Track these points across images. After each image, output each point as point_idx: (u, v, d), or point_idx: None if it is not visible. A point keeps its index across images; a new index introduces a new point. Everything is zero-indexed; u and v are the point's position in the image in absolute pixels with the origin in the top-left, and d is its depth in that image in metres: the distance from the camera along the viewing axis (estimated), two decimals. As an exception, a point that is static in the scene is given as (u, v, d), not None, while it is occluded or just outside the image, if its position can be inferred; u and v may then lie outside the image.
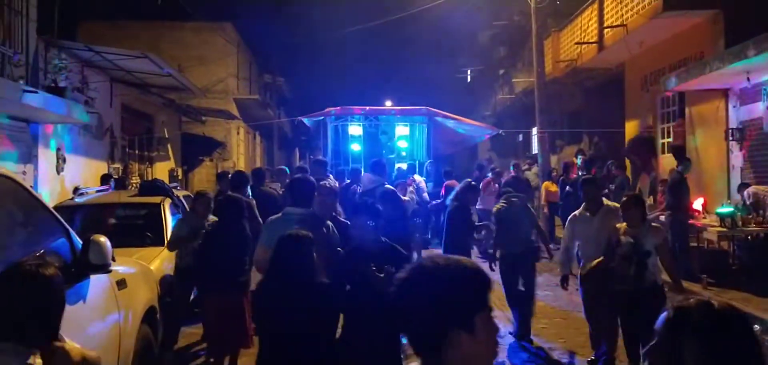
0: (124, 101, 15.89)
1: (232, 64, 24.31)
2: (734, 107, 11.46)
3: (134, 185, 12.53)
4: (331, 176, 10.92)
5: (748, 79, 10.33)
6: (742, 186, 10.54)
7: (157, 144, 18.93)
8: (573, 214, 6.46)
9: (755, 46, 8.94)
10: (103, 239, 3.66)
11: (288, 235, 3.81)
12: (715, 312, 1.58)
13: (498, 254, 7.21)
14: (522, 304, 7.14)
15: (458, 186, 7.83)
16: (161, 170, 18.27)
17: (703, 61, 10.86)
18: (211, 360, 5.84)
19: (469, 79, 35.76)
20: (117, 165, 14.92)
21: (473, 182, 7.84)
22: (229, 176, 8.85)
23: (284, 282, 3.65)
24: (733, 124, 11.47)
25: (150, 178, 16.37)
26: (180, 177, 18.43)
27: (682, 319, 1.59)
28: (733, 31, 10.45)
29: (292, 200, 4.87)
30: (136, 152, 17.62)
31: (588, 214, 6.28)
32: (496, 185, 12.73)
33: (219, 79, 23.34)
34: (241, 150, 25.54)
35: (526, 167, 16.85)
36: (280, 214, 4.93)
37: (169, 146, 19.79)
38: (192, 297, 6.64)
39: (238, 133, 25.10)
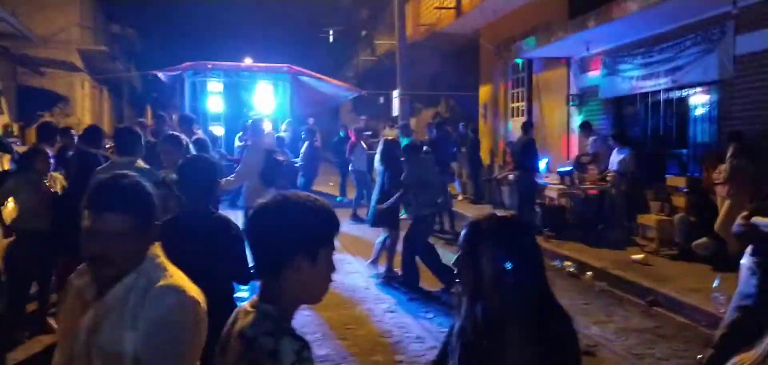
0: (-54, 46, 14.13)
1: (76, 12, 22.30)
2: (575, 74, 12.47)
3: None
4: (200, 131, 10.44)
5: (588, 48, 11.29)
6: (585, 125, 11.51)
7: (-13, 97, 17.06)
8: None
9: (595, 18, 9.78)
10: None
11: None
12: (499, 220, 1.94)
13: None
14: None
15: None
16: (-7, 126, 16.51)
17: (549, 31, 11.69)
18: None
19: (331, 40, 35.65)
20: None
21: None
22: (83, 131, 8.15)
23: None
24: (573, 90, 12.50)
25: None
26: (16, 133, 16.75)
27: (475, 229, 1.92)
28: (577, 3, 11.27)
29: (118, 150, 5.04)
30: (-37, 104, 15.79)
31: None
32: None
33: (60, 28, 21.34)
34: (86, 105, 23.67)
35: (388, 128, 17.32)
36: (106, 164, 4.96)
37: (2, 99, 17.87)
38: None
39: (82, 87, 23.21)
